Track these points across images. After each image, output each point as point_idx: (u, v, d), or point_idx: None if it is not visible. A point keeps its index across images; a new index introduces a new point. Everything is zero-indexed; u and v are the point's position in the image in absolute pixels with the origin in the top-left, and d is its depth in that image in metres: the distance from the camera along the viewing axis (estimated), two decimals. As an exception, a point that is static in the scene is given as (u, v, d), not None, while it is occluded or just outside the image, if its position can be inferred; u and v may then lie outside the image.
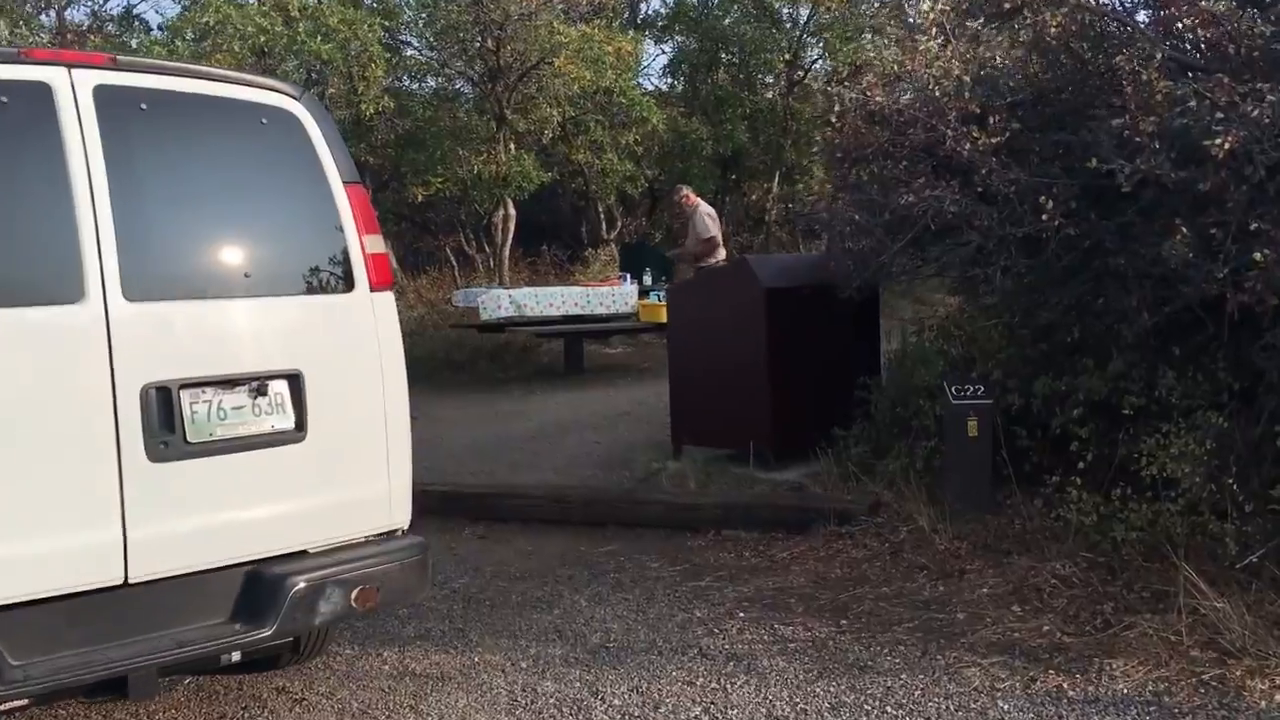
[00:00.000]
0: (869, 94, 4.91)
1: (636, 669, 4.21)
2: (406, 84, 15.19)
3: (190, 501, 3.24)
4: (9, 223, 3.02)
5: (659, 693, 3.98)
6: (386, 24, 12.69)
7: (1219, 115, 3.88)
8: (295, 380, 3.47)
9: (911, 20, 6.60)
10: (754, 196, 18.50)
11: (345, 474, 3.60)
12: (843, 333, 6.72)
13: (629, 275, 12.06)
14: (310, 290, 3.59)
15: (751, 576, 5.26)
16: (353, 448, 3.62)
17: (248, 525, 3.36)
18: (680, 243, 12.14)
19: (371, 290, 3.69)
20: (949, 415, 5.41)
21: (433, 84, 15.48)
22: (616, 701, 3.93)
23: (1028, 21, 4.96)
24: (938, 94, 4.76)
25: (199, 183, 3.41)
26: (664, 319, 8.51)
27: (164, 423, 3.19)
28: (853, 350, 6.84)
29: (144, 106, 3.30)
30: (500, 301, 10.91)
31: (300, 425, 3.48)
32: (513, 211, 14.38)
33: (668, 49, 18.41)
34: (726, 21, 17.05)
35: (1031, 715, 3.63)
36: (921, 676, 3.98)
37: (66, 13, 15.89)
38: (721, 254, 11.06)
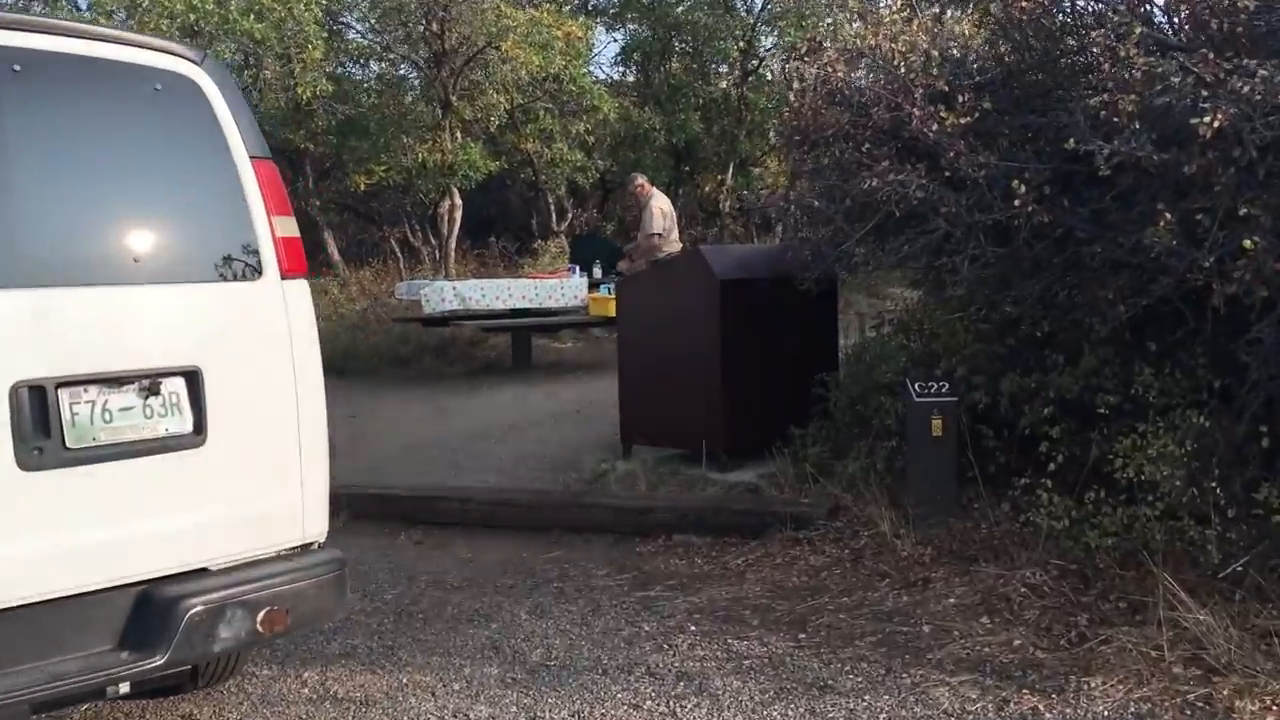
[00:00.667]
0: (830, 69, 4.59)
1: (579, 690, 3.88)
2: (349, 69, 14.71)
3: (69, 515, 2.86)
4: None
5: (602, 717, 3.66)
6: (325, 4, 12.22)
7: (1205, 93, 3.61)
8: (193, 378, 3.10)
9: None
10: (707, 188, 18.19)
11: (251, 482, 3.23)
12: (800, 327, 6.43)
13: (578, 267, 11.69)
14: (211, 277, 3.20)
15: (704, 585, 4.95)
16: (260, 453, 3.25)
17: (137, 541, 2.97)
18: (633, 236, 11.78)
19: (282, 278, 3.31)
20: (911, 413, 5.13)
21: (376, 69, 15.01)
22: (556, 729, 3.60)
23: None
24: (903, 70, 4.45)
25: (81, 155, 3.00)
26: (614, 313, 8.16)
27: (38, 426, 2.81)
28: (810, 345, 6.56)
29: (17, 68, 2.90)
30: (444, 294, 10.51)
31: (199, 428, 3.10)
32: (459, 202, 13.96)
33: (619, 37, 18.06)
34: (679, 9, 16.72)
35: (1007, 742, 3.36)
36: (886, 698, 3.68)
37: (-10, -10, 15.22)
38: (670, 249, 10.59)
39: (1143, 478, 4.19)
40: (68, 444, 2.86)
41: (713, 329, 6.28)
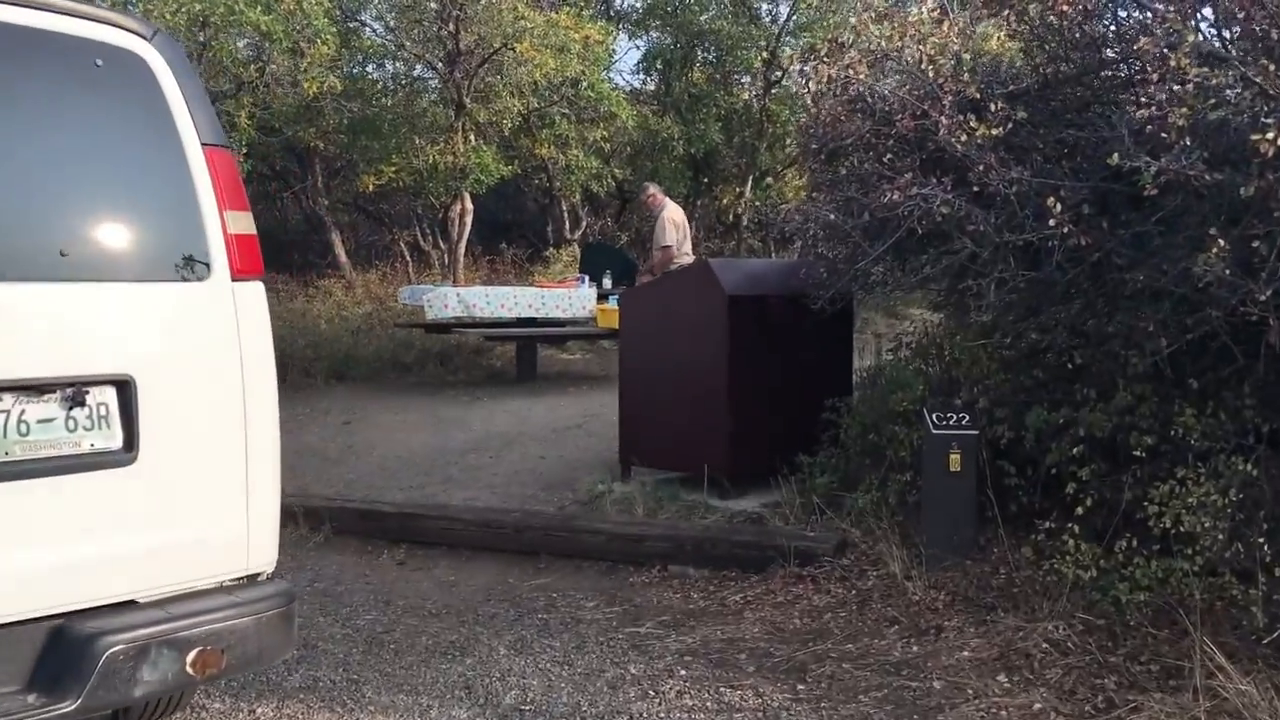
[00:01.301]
0: (851, 71, 4.24)
1: (553, 742, 3.54)
2: (365, 69, 14.42)
3: (-27, 539, 2.54)
4: None
5: (575, 777, 3.32)
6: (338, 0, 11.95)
7: (1266, 107, 3.25)
8: (125, 388, 2.77)
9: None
10: (725, 200, 17.81)
11: (189, 506, 2.89)
12: (812, 347, 6.07)
13: (586, 277, 11.33)
14: (151, 276, 2.86)
15: (698, 623, 4.60)
16: (200, 474, 2.91)
17: (54, 570, 2.65)
18: (649, 248, 11.41)
19: (233, 279, 2.98)
20: (928, 445, 4.77)
21: (391, 69, 14.71)
22: (523, 788, 3.26)
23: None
24: (931, 74, 4.10)
25: (3, 135, 2.68)
26: (619, 325, 7.80)
27: (-58, 438, 2.49)
28: (822, 368, 6.20)
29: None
30: (447, 300, 10.16)
31: (130, 444, 2.77)
32: (470, 206, 13.62)
33: (641, 44, 17.72)
34: (704, 17, 16.36)
35: (1025, 826, 2.99)
36: (891, 766, 3.33)
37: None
38: (683, 262, 10.24)
39: (1181, 528, 3.83)
40: (-25, 459, 2.54)
41: (719, 346, 5.93)
